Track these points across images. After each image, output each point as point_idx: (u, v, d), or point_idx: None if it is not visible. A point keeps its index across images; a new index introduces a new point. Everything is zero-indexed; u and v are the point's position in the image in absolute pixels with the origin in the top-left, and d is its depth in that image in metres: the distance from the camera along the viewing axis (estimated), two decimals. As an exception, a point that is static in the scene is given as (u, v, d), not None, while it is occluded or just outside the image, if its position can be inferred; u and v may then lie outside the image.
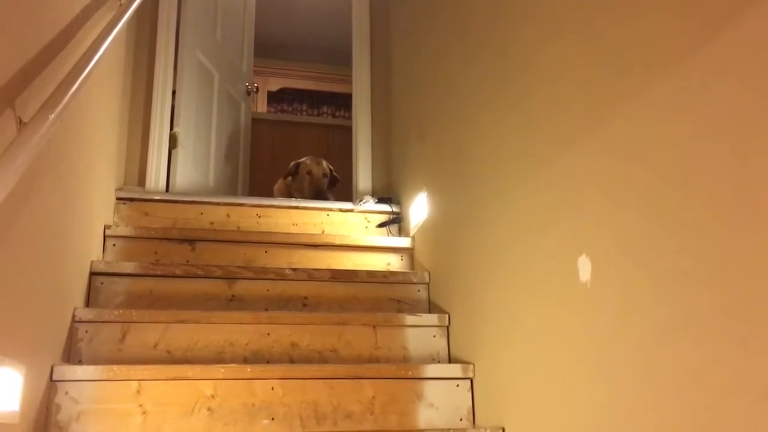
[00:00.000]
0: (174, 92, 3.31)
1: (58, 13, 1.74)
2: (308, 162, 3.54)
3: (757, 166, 0.95)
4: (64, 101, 1.42)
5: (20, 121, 1.37)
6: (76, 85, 1.52)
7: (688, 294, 1.09)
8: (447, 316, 2.31)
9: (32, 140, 1.27)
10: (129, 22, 2.54)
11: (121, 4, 2.50)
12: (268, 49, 6.11)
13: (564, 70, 1.56)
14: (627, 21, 1.30)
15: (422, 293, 2.56)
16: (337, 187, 3.65)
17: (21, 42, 1.43)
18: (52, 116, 1.34)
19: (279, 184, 3.64)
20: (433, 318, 2.32)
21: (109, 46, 2.00)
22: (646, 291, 1.21)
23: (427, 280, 2.56)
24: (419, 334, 2.29)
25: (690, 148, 1.10)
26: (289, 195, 3.50)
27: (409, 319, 2.30)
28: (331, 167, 3.62)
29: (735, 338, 0.99)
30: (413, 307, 2.51)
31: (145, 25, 3.22)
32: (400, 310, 2.48)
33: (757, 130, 0.96)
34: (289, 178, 3.59)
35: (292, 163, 3.60)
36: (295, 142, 4.90)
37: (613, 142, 1.34)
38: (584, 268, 1.42)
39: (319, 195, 3.42)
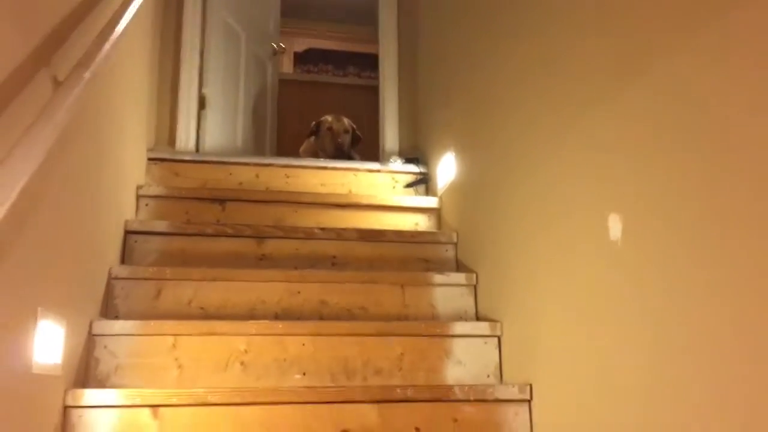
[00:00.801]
0: (202, 53, 3.32)
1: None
2: (329, 119, 3.54)
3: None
4: (97, 60, 1.44)
5: (55, 79, 1.39)
6: (108, 45, 1.54)
7: (720, 255, 1.09)
8: (474, 275, 2.32)
9: (68, 99, 1.29)
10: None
11: (149, -36, 2.50)
12: (295, 8, 6.07)
13: (595, 22, 1.54)
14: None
15: (450, 253, 2.57)
16: (361, 145, 3.65)
17: (54, 1, 1.44)
18: (86, 75, 1.36)
19: (305, 145, 3.65)
20: (460, 277, 2.34)
21: (138, 6, 2.01)
22: (679, 251, 1.20)
23: (455, 239, 2.57)
24: (447, 292, 2.31)
25: (720, 107, 1.08)
26: (314, 155, 3.51)
27: (437, 278, 2.32)
28: (353, 125, 3.61)
29: (768, 294, 0.99)
30: (441, 267, 2.52)
31: (173, -15, 3.23)
32: (428, 270, 2.50)
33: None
34: (313, 137, 3.60)
35: (314, 122, 3.60)
36: (322, 103, 4.89)
37: (638, 102, 1.32)
38: (615, 226, 1.42)
39: (341, 151, 3.42)
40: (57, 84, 1.38)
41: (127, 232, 2.32)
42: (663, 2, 1.27)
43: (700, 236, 1.14)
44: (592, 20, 1.55)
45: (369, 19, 3.95)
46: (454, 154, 2.66)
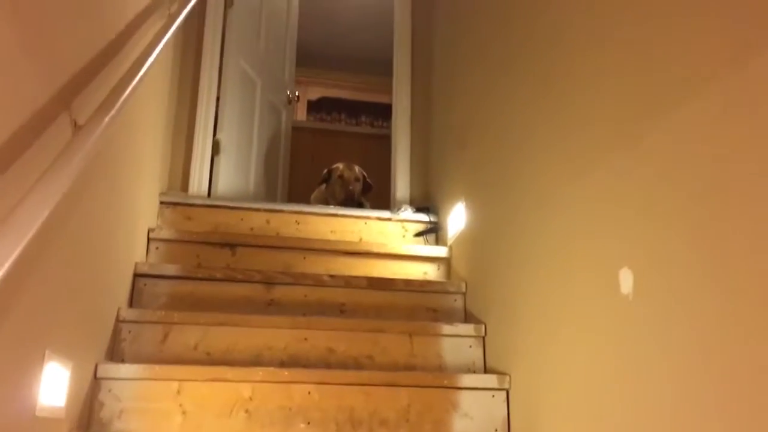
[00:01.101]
0: (218, 99, 3.38)
1: (111, 21, 1.80)
2: (340, 166, 3.58)
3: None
4: (117, 105, 1.47)
5: (75, 123, 1.41)
6: (128, 90, 1.57)
7: (730, 311, 1.08)
8: (483, 326, 2.31)
9: (87, 143, 1.32)
10: (176, 31, 2.61)
11: (170, 14, 2.57)
12: (310, 58, 6.20)
13: (604, 79, 1.56)
14: (672, 33, 1.29)
15: (458, 303, 2.56)
16: (372, 193, 3.67)
17: (76, 48, 1.48)
18: (106, 119, 1.38)
19: (315, 193, 3.68)
20: (469, 328, 2.32)
21: (158, 53, 2.06)
22: (689, 308, 1.19)
23: (464, 289, 2.56)
24: (455, 343, 2.29)
25: (732, 164, 1.09)
26: (325, 202, 3.54)
27: (446, 328, 2.30)
28: (365, 173, 3.64)
29: (781, 354, 0.98)
30: (449, 317, 2.51)
31: (192, 33, 3.31)
32: (436, 320, 2.49)
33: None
34: (324, 185, 3.63)
35: (326, 170, 3.64)
36: (334, 151, 4.94)
37: (652, 154, 1.33)
38: (626, 280, 1.41)
39: (351, 200, 3.44)
40: (77, 128, 1.41)
41: (137, 275, 2.32)
42: (673, 52, 1.29)
43: (709, 293, 1.13)
44: (608, 65, 1.57)
45: (382, 69, 4.02)
46: (464, 203, 2.67)
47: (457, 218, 2.76)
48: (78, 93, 1.45)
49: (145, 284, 2.34)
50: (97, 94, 1.56)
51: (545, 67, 1.93)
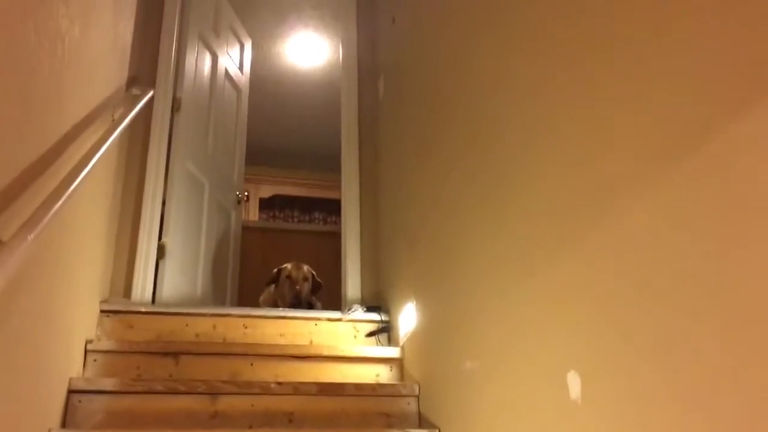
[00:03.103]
0: (164, 202, 3.33)
1: (50, 129, 1.77)
2: (288, 266, 3.54)
3: (742, 288, 0.94)
4: (46, 220, 1.42)
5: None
6: (59, 203, 1.53)
7: (679, 419, 1.05)
8: (437, 431, 2.23)
9: (9, 261, 1.26)
10: (121, 135, 2.59)
11: (114, 120, 2.56)
12: (261, 156, 6.25)
13: (547, 172, 1.57)
14: (615, 124, 1.32)
15: (412, 406, 2.48)
16: (321, 292, 3.62)
17: (7, 159, 1.44)
18: (31, 236, 1.33)
19: (264, 294, 3.62)
20: (423, 434, 2.24)
21: (99, 160, 2.03)
22: (636, 413, 1.16)
23: (417, 392, 2.49)
24: (409, 451, 2.20)
25: (676, 262, 1.09)
26: (274, 304, 3.48)
27: (398, 435, 2.22)
28: (314, 272, 3.60)
29: (731, 464, 0.94)
30: (402, 422, 2.42)
31: (138, 137, 3.29)
32: (390, 425, 2.40)
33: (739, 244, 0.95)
34: (273, 285, 3.57)
35: (275, 270, 3.59)
36: (286, 250, 4.90)
37: (595, 255, 1.33)
38: (574, 384, 1.38)
39: (299, 301, 3.38)
40: (1, 245, 1.35)
41: (71, 391, 2.19)
42: (624, 144, 1.31)
43: (660, 398, 1.11)
44: (552, 159, 1.58)
45: (334, 164, 4.05)
46: (415, 302, 2.64)
47: (408, 317, 2.72)
48: (5, 209, 1.39)
49: (80, 401, 2.20)
50: (27, 207, 1.51)
51: (490, 164, 1.95)
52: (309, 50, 5.45)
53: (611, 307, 1.26)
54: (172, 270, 3.29)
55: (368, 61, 3.88)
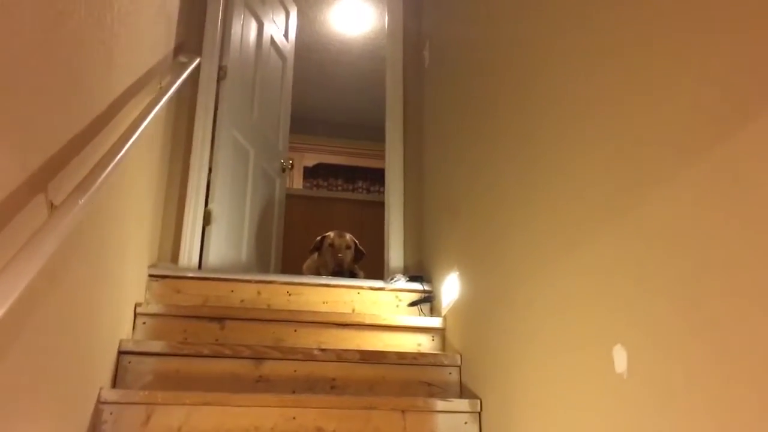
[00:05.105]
0: (210, 169, 3.37)
1: (97, 97, 1.79)
2: (331, 235, 3.55)
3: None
4: (96, 185, 1.45)
5: (51, 204, 1.39)
6: (108, 169, 1.55)
7: (726, 391, 1.03)
8: (479, 401, 2.23)
9: (61, 224, 1.29)
10: (168, 102, 2.62)
11: (161, 88, 2.59)
12: (306, 125, 6.26)
13: (595, 148, 1.53)
14: (665, 101, 1.28)
15: (453, 376, 2.48)
16: (364, 261, 3.63)
17: (57, 128, 1.47)
18: (81, 201, 1.36)
19: (308, 262, 3.64)
20: (464, 403, 2.24)
21: (147, 127, 2.06)
22: (684, 386, 1.14)
23: (459, 362, 2.49)
24: (450, 420, 2.21)
25: (727, 235, 1.05)
26: (316, 271, 3.50)
27: (440, 404, 2.23)
28: (356, 240, 3.61)
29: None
30: (444, 391, 2.43)
31: (185, 105, 3.32)
32: (431, 394, 2.41)
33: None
34: (315, 253, 3.59)
35: (318, 238, 3.60)
36: (329, 218, 4.93)
37: (643, 227, 1.30)
38: (620, 358, 1.36)
39: (341, 269, 3.40)
40: (53, 208, 1.38)
41: (121, 353, 2.26)
42: (664, 121, 1.27)
43: (706, 372, 1.08)
44: (600, 135, 1.55)
45: (378, 134, 4.03)
46: (458, 272, 2.63)
47: (450, 288, 2.71)
48: (56, 174, 1.42)
49: (129, 362, 2.27)
50: (77, 173, 1.54)
51: (537, 138, 1.92)
52: (354, 17, 5.40)
53: (662, 282, 1.23)
54: (218, 236, 3.34)
55: (414, 29, 3.83)
